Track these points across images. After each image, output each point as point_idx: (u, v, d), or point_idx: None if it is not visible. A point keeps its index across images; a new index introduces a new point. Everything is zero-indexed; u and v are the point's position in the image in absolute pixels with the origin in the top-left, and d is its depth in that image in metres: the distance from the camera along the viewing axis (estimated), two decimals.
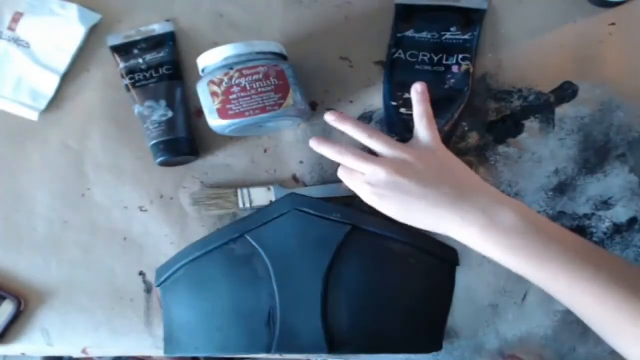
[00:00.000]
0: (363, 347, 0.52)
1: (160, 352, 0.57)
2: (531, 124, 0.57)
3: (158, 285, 0.57)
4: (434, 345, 0.54)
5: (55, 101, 0.61)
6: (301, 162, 0.59)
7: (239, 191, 0.57)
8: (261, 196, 0.57)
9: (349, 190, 0.50)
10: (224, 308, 0.53)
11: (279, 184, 0.58)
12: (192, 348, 0.53)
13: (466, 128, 0.57)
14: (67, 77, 0.61)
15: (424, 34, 0.57)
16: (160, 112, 0.57)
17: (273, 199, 0.56)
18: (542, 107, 0.57)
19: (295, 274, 0.52)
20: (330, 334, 0.51)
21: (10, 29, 0.61)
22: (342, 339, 0.51)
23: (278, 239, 0.53)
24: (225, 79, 0.51)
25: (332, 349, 0.50)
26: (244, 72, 0.51)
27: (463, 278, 0.56)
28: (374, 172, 0.47)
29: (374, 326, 0.52)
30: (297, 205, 0.53)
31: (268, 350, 0.51)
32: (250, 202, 0.57)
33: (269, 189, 0.57)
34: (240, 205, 0.57)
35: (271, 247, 0.53)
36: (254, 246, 0.53)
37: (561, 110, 0.57)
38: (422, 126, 0.50)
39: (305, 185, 0.58)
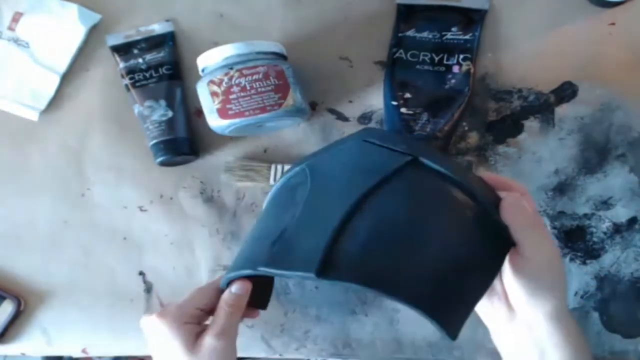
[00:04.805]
0: (365, 278, 0.39)
1: None
2: (531, 124, 0.57)
3: None
4: (450, 326, 0.41)
5: (55, 101, 0.61)
6: None
7: (272, 166, 0.57)
8: None
9: None
10: (254, 237, 0.45)
11: None
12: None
13: (466, 128, 0.57)
14: (67, 77, 0.61)
15: (425, 34, 0.57)
16: (160, 112, 0.57)
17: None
18: (542, 107, 0.57)
19: (329, 194, 0.42)
20: (332, 254, 0.38)
21: (10, 29, 0.61)
22: (341, 263, 0.38)
23: (330, 167, 0.45)
24: (226, 79, 0.51)
25: (323, 270, 0.37)
26: (244, 72, 0.51)
27: None
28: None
29: (391, 262, 0.40)
30: (365, 137, 0.45)
31: (254, 267, 0.41)
32: None
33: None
34: (272, 181, 0.57)
35: (320, 174, 0.44)
36: (307, 175, 0.45)
37: (561, 110, 0.57)
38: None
39: None
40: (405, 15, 0.58)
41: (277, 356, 0.57)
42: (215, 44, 0.59)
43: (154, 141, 0.57)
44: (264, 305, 0.51)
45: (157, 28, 0.61)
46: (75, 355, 0.59)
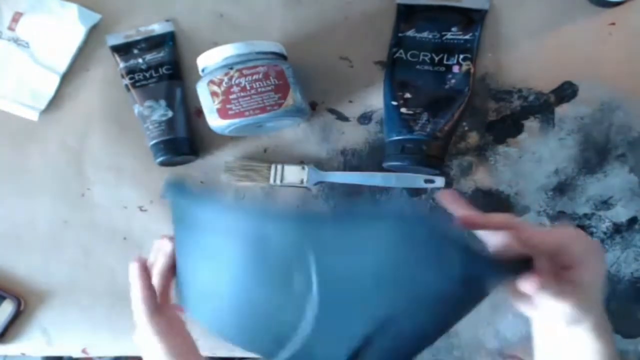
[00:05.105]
0: None
1: None
2: (531, 124, 0.57)
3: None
4: None
5: (55, 101, 0.61)
6: (301, 162, 0.59)
7: (272, 166, 0.58)
8: (294, 174, 0.57)
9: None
10: (233, 293, 0.37)
11: (313, 164, 0.58)
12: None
13: (466, 128, 0.57)
14: (67, 77, 0.61)
15: (425, 34, 0.57)
16: (160, 112, 0.57)
17: (306, 178, 0.56)
18: (542, 107, 0.57)
19: (346, 303, 0.34)
20: None
21: (11, 29, 0.61)
22: None
23: (347, 271, 0.33)
24: (226, 79, 0.51)
25: None
26: (244, 72, 0.51)
27: None
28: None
29: None
30: (408, 214, 0.33)
31: None
32: (282, 179, 0.57)
33: (303, 168, 0.57)
34: (272, 181, 0.57)
35: (332, 281, 0.33)
36: (305, 256, 0.33)
37: (561, 110, 0.57)
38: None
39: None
40: (405, 15, 0.58)
41: None
42: (215, 44, 0.59)
43: (154, 141, 0.57)
44: None
45: (157, 28, 0.61)
46: (75, 355, 0.60)
